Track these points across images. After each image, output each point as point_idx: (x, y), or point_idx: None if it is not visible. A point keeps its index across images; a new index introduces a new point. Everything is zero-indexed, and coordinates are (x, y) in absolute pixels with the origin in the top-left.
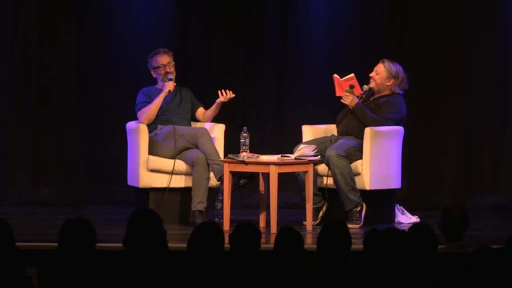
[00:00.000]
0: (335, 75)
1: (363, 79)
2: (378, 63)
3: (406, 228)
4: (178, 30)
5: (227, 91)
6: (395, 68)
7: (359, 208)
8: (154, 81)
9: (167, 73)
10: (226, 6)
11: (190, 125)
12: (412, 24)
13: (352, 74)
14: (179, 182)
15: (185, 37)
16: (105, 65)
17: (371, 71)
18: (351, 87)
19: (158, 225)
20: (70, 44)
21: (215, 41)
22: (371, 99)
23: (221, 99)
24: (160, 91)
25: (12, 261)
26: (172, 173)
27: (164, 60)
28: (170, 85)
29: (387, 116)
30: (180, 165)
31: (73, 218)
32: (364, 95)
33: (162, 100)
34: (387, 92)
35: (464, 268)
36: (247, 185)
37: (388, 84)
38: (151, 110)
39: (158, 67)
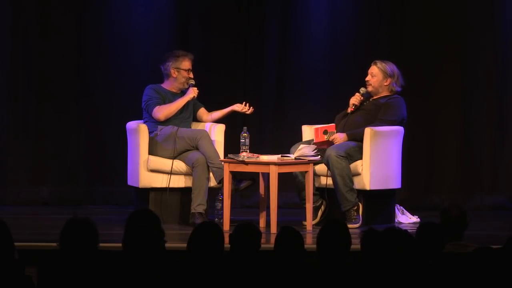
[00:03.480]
0: (317, 128)
1: (362, 81)
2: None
3: (406, 228)
4: (178, 30)
5: (248, 105)
6: (389, 67)
7: (355, 208)
8: (155, 81)
9: (190, 78)
10: (226, 6)
11: (191, 127)
12: (412, 24)
13: (315, 128)
14: (179, 182)
15: (185, 37)
16: (105, 65)
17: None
18: (326, 132)
19: (156, 225)
20: (70, 44)
21: (215, 41)
22: (370, 100)
23: (237, 108)
24: (168, 91)
25: (12, 261)
26: (170, 173)
27: (190, 65)
28: (195, 91)
29: (387, 119)
30: (180, 165)
31: (77, 217)
32: (362, 97)
33: (184, 103)
34: (386, 93)
35: (464, 268)
36: (247, 188)
37: (385, 84)
38: (171, 109)
39: (184, 70)
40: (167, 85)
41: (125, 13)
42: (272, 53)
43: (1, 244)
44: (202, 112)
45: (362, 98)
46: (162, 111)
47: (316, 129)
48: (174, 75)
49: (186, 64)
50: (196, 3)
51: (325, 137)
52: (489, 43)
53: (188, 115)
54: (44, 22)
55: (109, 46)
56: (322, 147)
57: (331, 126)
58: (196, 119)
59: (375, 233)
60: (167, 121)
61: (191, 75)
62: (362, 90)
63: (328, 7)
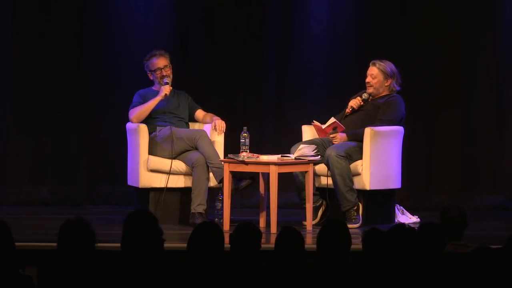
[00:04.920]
0: (315, 123)
1: (362, 81)
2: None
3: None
4: (178, 30)
5: (219, 124)
6: (388, 67)
7: (355, 208)
8: (153, 82)
9: (163, 76)
10: (226, 7)
11: (188, 127)
12: (412, 24)
13: (332, 118)
14: (179, 182)
15: (185, 37)
16: (105, 65)
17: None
18: (334, 128)
19: (154, 225)
20: (70, 44)
21: (215, 41)
22: (369, 100)
23: (217, 134)
24: (156, 93)
25: (12, 261)
26: (169, 173)
27: (161, 63)
28: (166, 89)
29: (387, 118)
30: (180, 165)
31: (72, 218)
32: (363, 102)
33: (156, 103)
34: (385, 92)
35: (464, 268)
36: (247, 188)
37: (386, 84)
38: (142, 110)
39: (154, 70)
40: (155, 87)
41: (125, 13)
42: (272, 53)
43: (2, 244)
44: (199, 113)
45: (362, 103)
46: (134, 113)
47: (334, 123)
48: (151, 78)
49: (155, 63)
50: (196, 3)
51: (329, 132)
52: (489, 43)
53: (184, 117)
54: (44, 22)
55: (109, 46)
56: (321, 133)
57: (342, 127)
58: (195, 120)
59: (377, 233)
60: (164, 122)
61: (165, 72)
62: (365, 95)
63: (328, 7)
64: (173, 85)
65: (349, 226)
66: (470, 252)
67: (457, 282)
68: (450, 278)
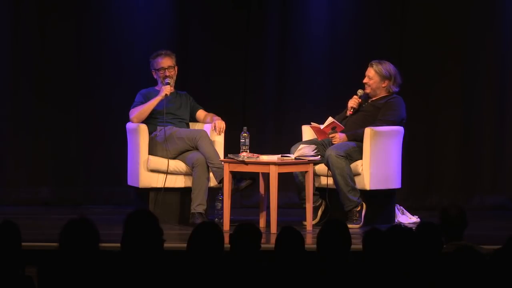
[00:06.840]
0: (314, 124)
1: (362, 81)
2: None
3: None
4: (178, 31)
5: (219, 124)
6: (386, 68)
7: (359, 208)
8: (155, 82)
9: (166, 76)
10: (226, 7)
11: (188, 127)
12: (412, 24)
13: (330, 118)
14: (179, 182)
15: (185, 38)
16: (105, 65)
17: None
18: (333, 128)
19: (154, 225)
20: (70, 44)
21: (215, 41)
22: (368, 102)
23: (216, 134)
24: (158, 92)
25: (15, 262)
26: (166, 173)
27: (165, 63)
28: (166, 89)
29: (387, 119)
30: (180, 165)
31: (75, 217)
32: (360, 99)
33: (156, 102)
34: (384, 93)
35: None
36: (247, 188)
37: (383, 85)
38: (142, 110)
39: (158, 69)
40: (158, 86)
41: (126, 14)
42: (272, 53)
43: (10, 245)
44: (200, 113)
45: (360, 100)
46: (134, 113)
47: (332, 123)
48: (155, 76)
49: (160, 63)
50: (196, 4)
51: (328, 133)
52: (489, 43)
53: (185, 118)
54: (44, 22)
55: (109, 46)
56: (320, 134)
57: (341, 127)
58: (196, 120)
59: (378, 233)
60: (164, 123)
61: (169, 73)
62: (360, 92)
63: (328, 7)
64: (174, 85)
65: (350, 226)
66: (453, 252)
67: (456, 282)
68: (449, 278)
